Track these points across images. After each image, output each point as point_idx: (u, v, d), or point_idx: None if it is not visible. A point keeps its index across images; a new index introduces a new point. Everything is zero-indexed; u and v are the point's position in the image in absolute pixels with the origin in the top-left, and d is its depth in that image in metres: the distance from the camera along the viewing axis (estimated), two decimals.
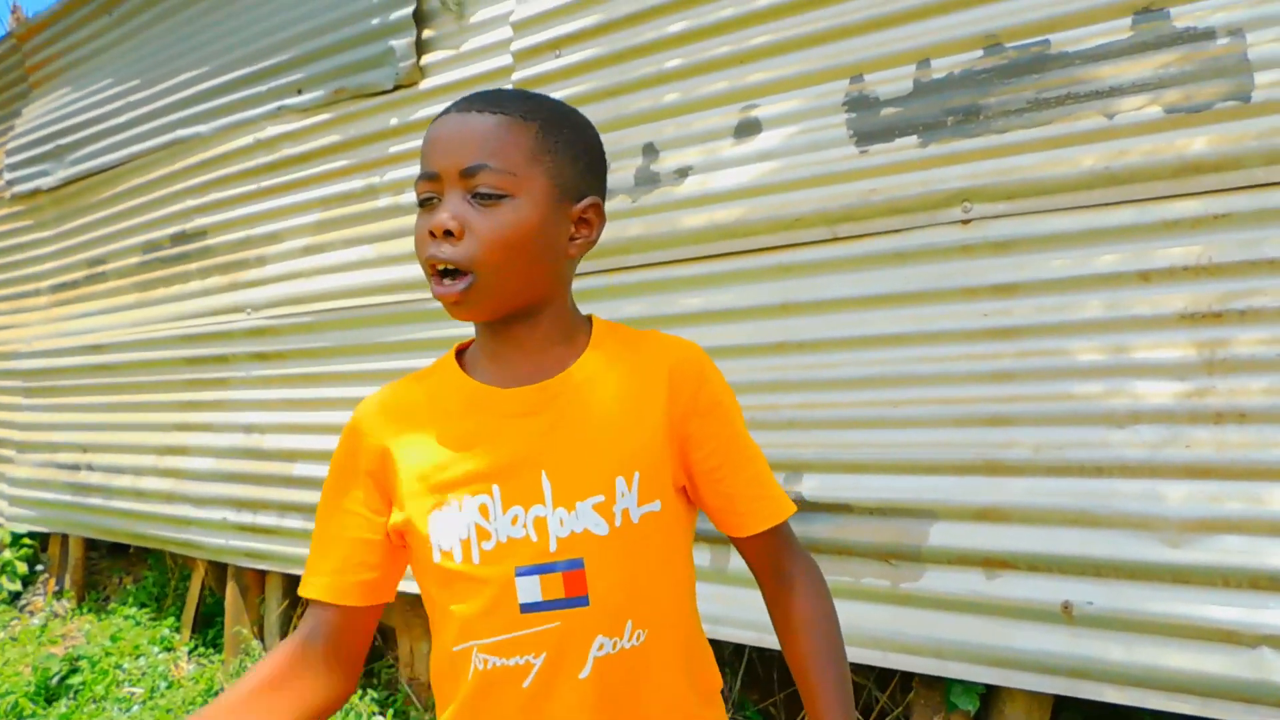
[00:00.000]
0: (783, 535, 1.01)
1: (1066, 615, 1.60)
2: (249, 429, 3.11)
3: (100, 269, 3.94)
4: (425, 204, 0.91)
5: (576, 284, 2.43)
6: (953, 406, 1.75)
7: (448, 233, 0.87)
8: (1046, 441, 1.65)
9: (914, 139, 1.86)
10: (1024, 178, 1.73)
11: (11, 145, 4.59)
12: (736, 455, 0.98)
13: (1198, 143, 1.58)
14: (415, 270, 2.66)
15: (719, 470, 0.97)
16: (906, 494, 1.78)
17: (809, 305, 1.95)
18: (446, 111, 0.92)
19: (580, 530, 0.90)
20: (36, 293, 4.39)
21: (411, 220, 2.71)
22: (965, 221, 1.80)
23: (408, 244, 2.70)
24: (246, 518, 3.07)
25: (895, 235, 1.86)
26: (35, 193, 4.37)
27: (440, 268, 0.88)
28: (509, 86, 2.50)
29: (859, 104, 1.93)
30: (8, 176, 4.57)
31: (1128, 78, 1.65)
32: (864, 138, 1.91)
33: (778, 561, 1.01)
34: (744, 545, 1.01)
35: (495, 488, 0.90)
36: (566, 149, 0.93)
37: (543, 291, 0.93)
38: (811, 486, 1.90)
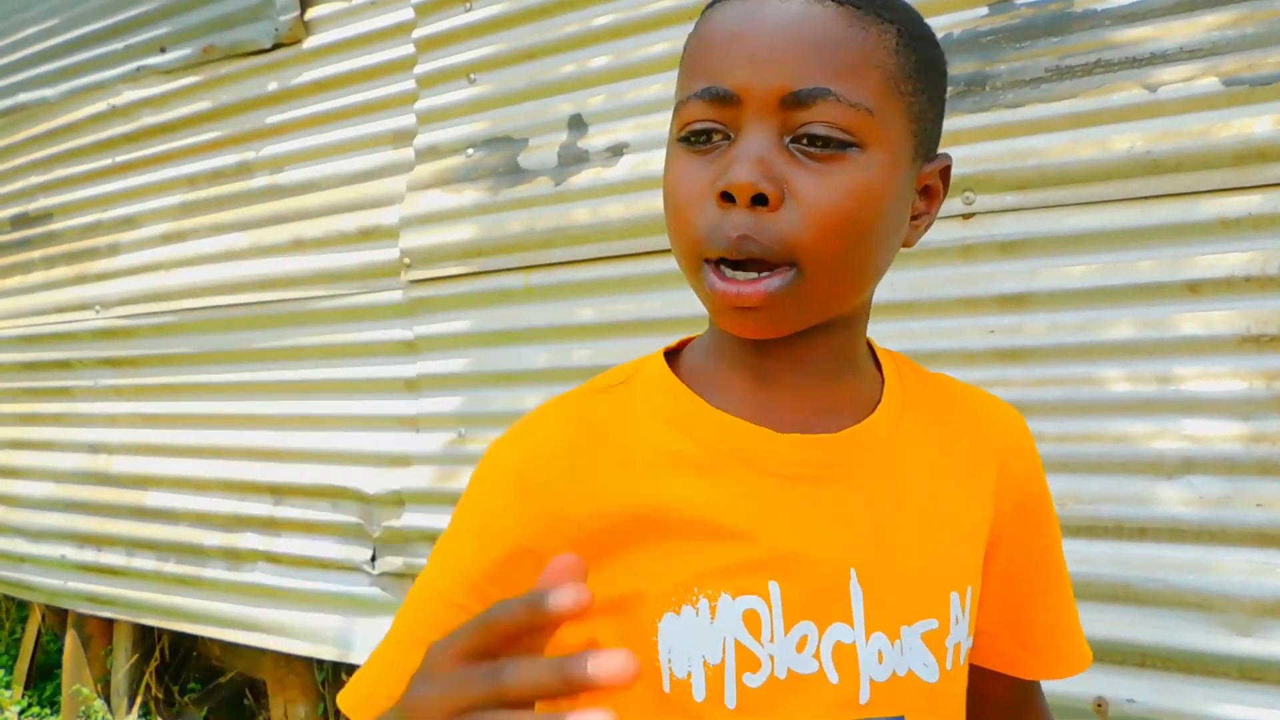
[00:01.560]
0: (1041, 689, 0.76)
1: (1100, 715, 1.28)
2: (95, 449, 2.63)
3: None
4: (697, 140, 0.57)
5: (478, 284, 2.02)
6: None
7: (759, 198, 0.54)
8: (1072, 493, 1.33)
9: None
10: (1041, 163, 1.40)
11: None
12: (1049, 573, 0.71)
13: (1263, 123, 1.27)
14: (296, 264, 2.23)
15: (1020, 587, 0.69)
16: None
17: None
18: None
19: (904, 673, 0.60)
20: None
21: (293, 204, 2.28)
22: (966, 216, 1.46)
23: (286, 232, 2.26)
24: (89, 555, 2.59)
25: None
26: None
27: (737, 244, 0.54)
28: (410, 44, 2.10)
29: None
30: None
31: (1173, 42, 1.33)
32: None
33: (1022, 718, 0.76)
34: (992, 684, 0.72)
35: (773, 586, 0.58)
36: (933, 75, 0.61)
37: (861, 297, 0.62)
38: None
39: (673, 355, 0.67)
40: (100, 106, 2.76)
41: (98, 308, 2.67)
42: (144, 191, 2.63)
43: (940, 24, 1.50)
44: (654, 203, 1.70)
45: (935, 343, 1.46)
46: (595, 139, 1.82)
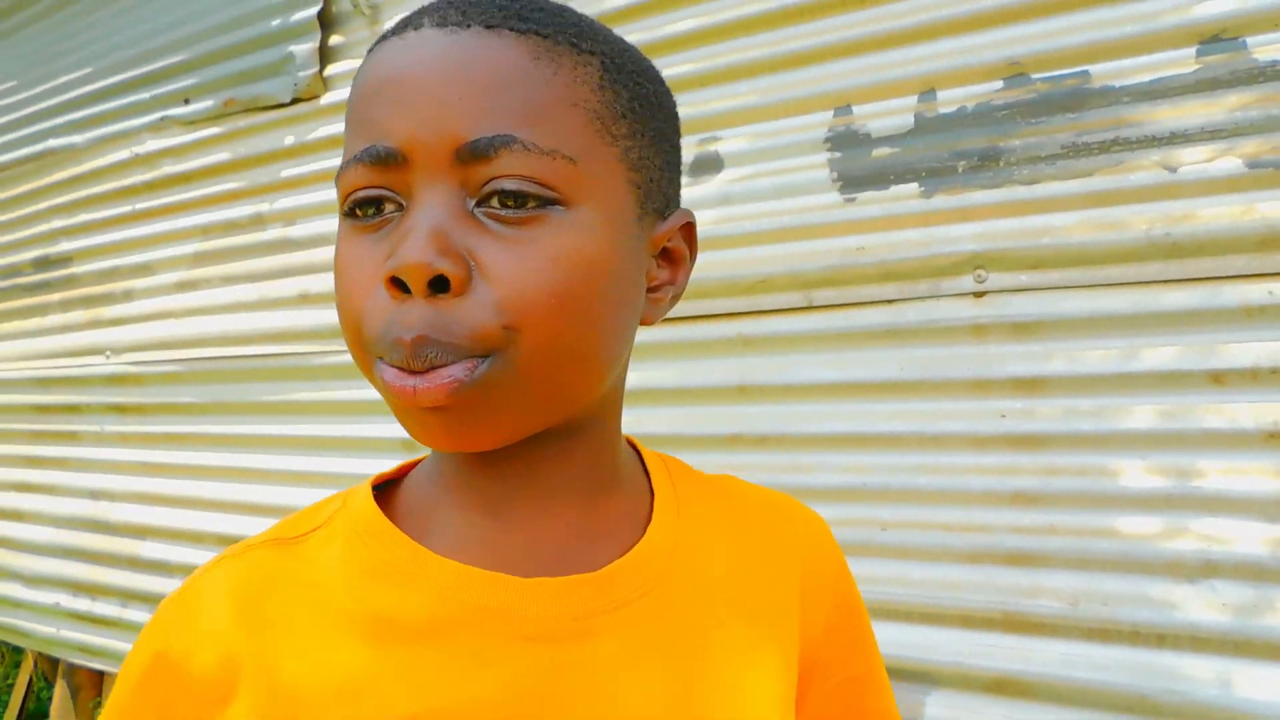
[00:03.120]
0: None
1: None
2: (96, 495, 2.61)
3: None
4: (364, 212, 0.46)
5: None
6: (960, 535, 1.34)
7: (438, 281, 0.43)
8: (1088, 592, 1.25)
9: (915, 187, 1.47)
10: (1056, 242, 1.35)
11: None
12: (873, 691, 0.63)
13: None
14: (302, 318, 2.21)
15: (848, 714, 0.61)
16: (895, 648, 1.35)
17: (774, 390, 1.54)
18: (409, 25, 0.47)
19: None
20: None
21: (302, 258, 2.28)
22: (978, 294, 1.41)
23: (294, 285, 2.25)
24: (83, 604, 2.54)
25: (887, 307, 1.47)
26: None
27: (413, 350, 0.43)
28: None
29: (845, 141, 1.54)
30: None
31: (1194, 121, 1.28)
32: (851, 183, 1.52)
33: None
34: None
35: None
36: (656, 115, 0.51)
37: (596, 392, 0.50)
38: None
39: (390, 485, 0.54)
40: (123, 154, 2.78)
41: (109, 353, 2.67)
42: (160, 239, 2.64)
43: (953, 97, 1.46)
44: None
45: (943, 425, 1.40)
46: None
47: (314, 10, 2.31)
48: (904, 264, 1.46)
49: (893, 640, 1.36)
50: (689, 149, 1.70)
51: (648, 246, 0.50)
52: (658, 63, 1.72)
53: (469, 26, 0.45)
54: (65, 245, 2.95)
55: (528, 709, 0.46)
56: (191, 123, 2.61)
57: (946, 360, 1.41)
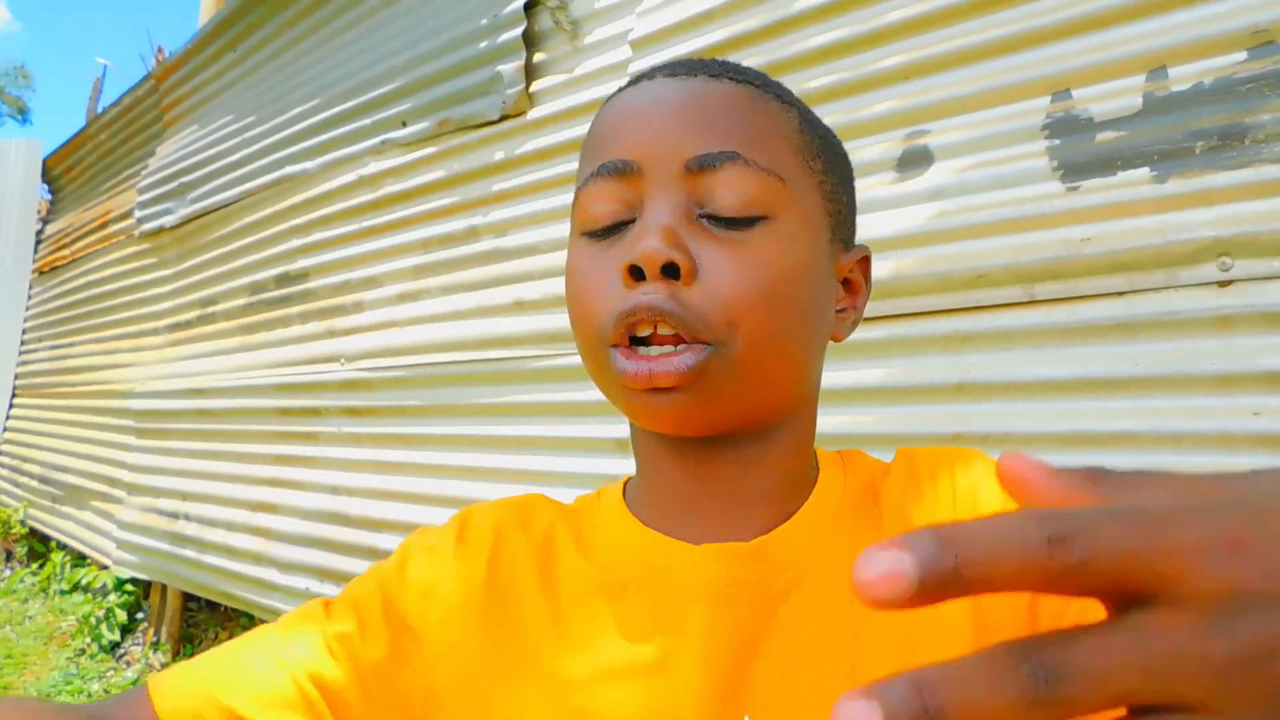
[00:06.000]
0: None
1: None
2: (336, 490, 2.85)
3: (210, 309, 3.83)
4: (599, 233, 0.51)
5: None
6: None
7: (670, 268, 0.48)
8: None
9: (1146, 172, 1.39)
10: None
11: (144, 184, 4.61)
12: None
13: None
14: (516, 324, 2.34)
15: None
16: None
17: (995, 387, 1.50)
18: (642, 78, 0.54)
19: None
20: (155, 331, 4.34)
21: (515, 267, 2.41)
22: (1223, 283, 1.32)
23: (508, 294, 2.38)
24: (329, 590, 2.79)
25: (1118, 299, 1.40)
26: (160, 230, 4.34)
27: (647, 329, 0.48)
28: None
29: (1065, 127, 1.48)
30: (138, 214, 4.58)
31: None
32: (1073, 171, 1.46)
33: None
34: None
35: None
36: (842, 163, 0.57)
37: (796, 391, 0.54)
38: None
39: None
40: (350, 177, 3.03)
41: (343, 360, 2.91)
42: (385, 254, 2.85)
43: (1190, 72, 1.37)
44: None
45: (1185, 423, 1.32)
46: None
47: (518, 31, 2.44)
48: (1136, 253, 1.38)
49: None
50: (895, 144, 1.67)
51: (835, 271, 0.55)
52: (864, 56, 1.72)
53: (695, 75, 0.52)
54: (302, 262, 3.24)
55: (691, 655, 0.50)
56: (409, 144, 2.80)
57: (1187, 354, 1.33)
